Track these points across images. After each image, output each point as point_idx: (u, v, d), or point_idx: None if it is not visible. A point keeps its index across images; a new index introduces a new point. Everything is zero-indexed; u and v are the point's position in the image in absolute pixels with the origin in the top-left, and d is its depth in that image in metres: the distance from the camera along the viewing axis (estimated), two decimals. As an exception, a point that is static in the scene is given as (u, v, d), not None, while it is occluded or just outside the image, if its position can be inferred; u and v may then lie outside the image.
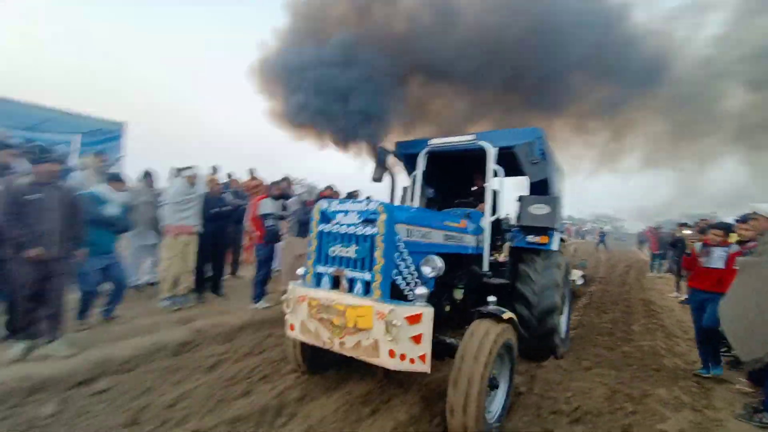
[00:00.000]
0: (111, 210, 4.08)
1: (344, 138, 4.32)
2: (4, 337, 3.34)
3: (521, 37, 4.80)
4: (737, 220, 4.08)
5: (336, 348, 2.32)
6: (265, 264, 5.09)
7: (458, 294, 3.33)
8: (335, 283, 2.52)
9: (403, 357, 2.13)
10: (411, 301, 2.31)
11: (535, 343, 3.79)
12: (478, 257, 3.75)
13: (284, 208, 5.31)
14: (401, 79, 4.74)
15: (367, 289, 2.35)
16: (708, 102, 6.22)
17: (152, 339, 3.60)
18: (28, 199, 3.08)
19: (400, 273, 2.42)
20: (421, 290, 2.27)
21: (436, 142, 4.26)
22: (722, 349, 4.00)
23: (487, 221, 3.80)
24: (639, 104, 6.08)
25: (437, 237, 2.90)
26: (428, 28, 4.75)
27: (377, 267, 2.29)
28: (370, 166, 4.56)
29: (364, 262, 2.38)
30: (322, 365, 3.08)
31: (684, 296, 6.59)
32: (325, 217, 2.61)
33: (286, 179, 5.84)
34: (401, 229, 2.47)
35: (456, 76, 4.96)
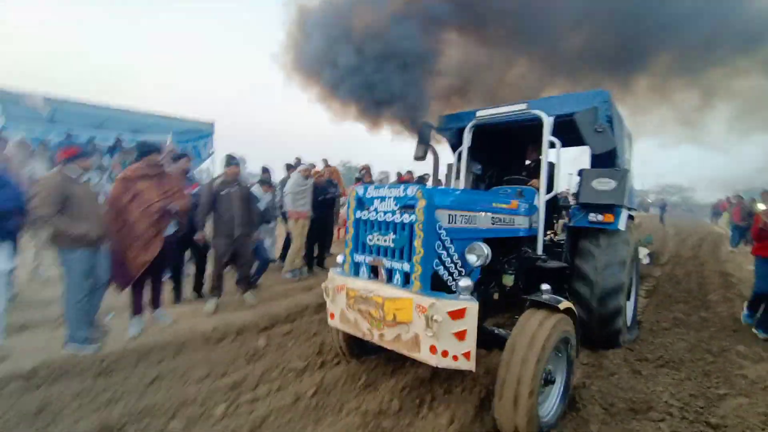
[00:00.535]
0: (261, 205, 5.21)
1: (380, 113, 4.09)
2: (194, 298, 4.68)
3: None
4: None
5: (375, 340, 2.26)
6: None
7: (508, 280, 3.07)
8: (374, 273, 2.42)
9: (445, 354, 1.99)
10: (454, 293, 2.14)
11: (596, 328, 3.44)
12: (531, 239, 3.43)
13: None
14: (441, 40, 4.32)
15: (406, 279, 2.22)
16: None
17: (294, 301, 4.64)
18: (221, 194, 4.20)
19: (442, 263, 2.25)
20: (465, 282, 2.09)
21: (484, 113, 3.87)
22: None
23: (542, 199, 3.42)
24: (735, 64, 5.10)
25: (484, 221, 2.65)
26: None
27: (417, 257, 2.14)
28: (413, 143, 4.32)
29: (403, 251, 2.23)
30: (366, 351, 3.07)
31: None
32: (362, 204, 2.48)
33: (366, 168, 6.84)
34: (443, 215, 2.27)
35: (527, 34, 4.52)
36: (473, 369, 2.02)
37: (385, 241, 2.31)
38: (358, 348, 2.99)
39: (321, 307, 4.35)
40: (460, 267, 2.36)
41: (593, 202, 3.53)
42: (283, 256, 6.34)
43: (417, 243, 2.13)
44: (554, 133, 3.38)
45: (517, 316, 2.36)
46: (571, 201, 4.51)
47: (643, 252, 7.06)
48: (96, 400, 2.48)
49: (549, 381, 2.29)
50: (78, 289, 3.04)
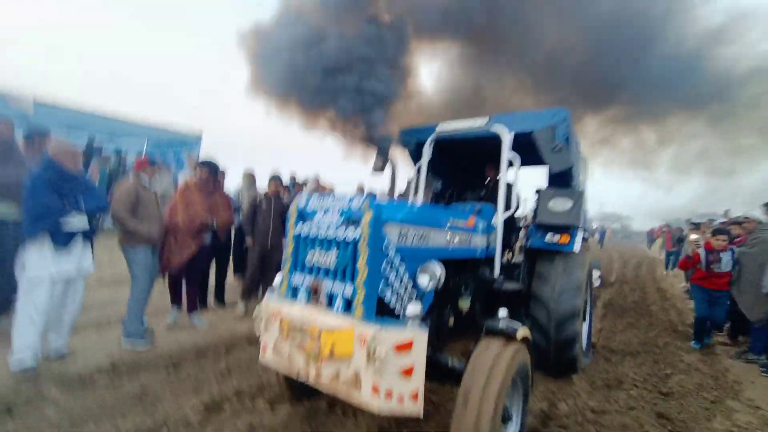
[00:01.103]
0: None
1: (341, 123, 3.86)
2: (216, 305, 5.08)
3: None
4: (727, 223, 5.31)
5: (311, 380, 1.91)
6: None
7: (464, 304, 2.86)
8: (316, 296, 2.10)
9: (389, 394, 1.69)
10: (402, 320, 1.86)
11: (554, 355, 3.32)
12: (488, 260, 3.28)
13: None
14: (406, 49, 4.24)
15: (348, 305, 1.92)
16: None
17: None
18: (261, 207, 4.82)
19: (389, 285, 1.98)
20: (414, 308, 1.83)
21: (445, 127, 3.75)
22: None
23: (499, 219, 3.30)
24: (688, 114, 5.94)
25: (439, 239, 2.43)
26: None
27: (360, 279, 1.85)
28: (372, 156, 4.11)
29: (346, 272, 1.94)
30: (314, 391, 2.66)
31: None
32: (303, 217, 2.17)
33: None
34: (392, 231, 2.02)
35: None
36: (420, 414, 1.74)
37: (326, 259, 2.00)
38: (301, 388, 2.58)
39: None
40: (411, 290, 2.11)
41: (549, 222, 3.48)
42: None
43: (360, 262, 1.85)
44: (516, 149, 3.31)
45: (472, 348, 2.14)
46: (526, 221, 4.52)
47: (595, 274, 7.29)
48: (183, 386, 2.83)
49: (506, 418, 2.06)
50: (143, 284, 3.56)
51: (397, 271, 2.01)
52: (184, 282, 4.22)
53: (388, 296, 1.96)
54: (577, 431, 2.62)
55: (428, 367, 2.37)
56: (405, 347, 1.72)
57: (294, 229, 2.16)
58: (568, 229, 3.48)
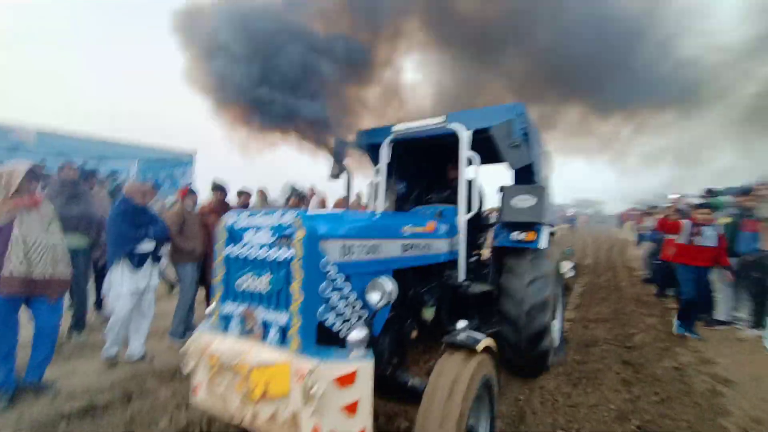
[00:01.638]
0: None
1: (288, 128, 3.59)
2: None
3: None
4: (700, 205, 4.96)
5: (247, 423, 1.66)
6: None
7: (428, 314, 2.69)
8: (249, 326, 1.85)
9: (332, 436, 1.48)
10: (347, 349, 1.65)
11: (525, 349, 3.20)
12: (454, 263, 3.12)
13: None
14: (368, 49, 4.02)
15: (285, 335, 1.68)
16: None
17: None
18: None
19: (332, 308, 1.76)
20: (357, 334, 1.61)
21: (401, 127, 3.57)
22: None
23: (461, 220, 3.16)
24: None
25: (392, 249, 2.24)
26: None
27: (294, 305, 1.62)
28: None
29: (280, 297, 1.71)
30: None
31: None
32: (233, 237, 1.92)
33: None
34: (333, 248, 1.80)
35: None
36: None
37: (259, 284, 1.76)
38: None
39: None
40: (361, 310, 1.90)
41: (514, 220, 3.36)
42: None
43: (294, 286, 1.62)
44: (477, 148, 3.17)
45: (432, 362, 1.97)
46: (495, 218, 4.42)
47: (567, 265, 7.34)
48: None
49: None
50: (188, 293, 4.21)
51: (341, 291, 1.79)
52: None
53: (331, 321, 1.75)
54: (566, 374, 3.54)
55: (388, 387, 2.20)
56: (347, 380, 1.51)
57: (224, 250, 1.91)
58: (533, 226, 3.38)
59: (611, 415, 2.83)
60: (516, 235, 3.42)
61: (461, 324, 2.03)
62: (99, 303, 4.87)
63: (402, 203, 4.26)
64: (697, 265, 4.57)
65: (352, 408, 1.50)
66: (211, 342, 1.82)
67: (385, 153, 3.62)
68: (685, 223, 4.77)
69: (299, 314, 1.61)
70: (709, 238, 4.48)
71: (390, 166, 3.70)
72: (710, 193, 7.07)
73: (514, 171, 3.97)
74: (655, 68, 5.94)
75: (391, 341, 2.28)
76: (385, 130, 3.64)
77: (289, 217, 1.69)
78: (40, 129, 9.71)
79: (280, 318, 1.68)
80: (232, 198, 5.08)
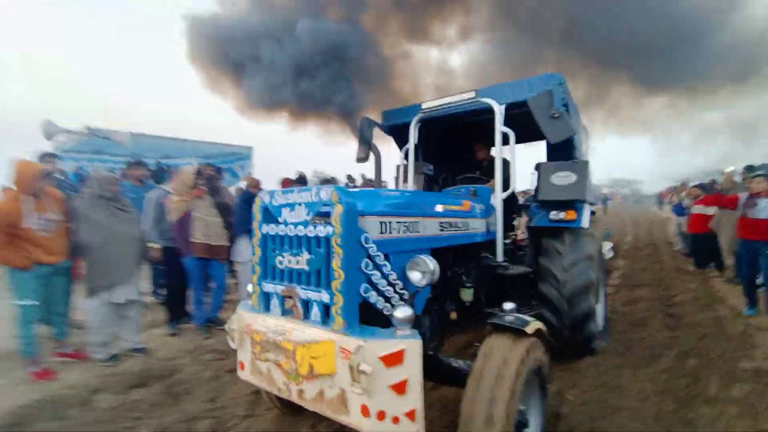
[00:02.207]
0: None
1: (312, 111, 3.54)
2: None
3: None
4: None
5: (294, 398, 1.65)
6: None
7: (467, 295, 2.59)
8: (290, 305, 1.82)
9: (381, 415, 1.43)
10: (391, 327, 1.59)
11: (568, 334, 3.04)
12: (490, 244, 2.99)
13: None
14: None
15: (327, 313, 1.64)
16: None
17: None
18: None
19: (374, 287, 1.70)
20: (403, 312, 1.55)
21: (430, 105, 3.43)
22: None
23: (498, 199, 3.01)
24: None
25: (430, 228, 2.15)
26: None
27: (336, 282, 1.57)
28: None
29: (320, 275, 1.66)
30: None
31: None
32: (269, 215, 1.89)
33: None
34: (372, 224, 1.73)
35: None
36: None
37: (298, 262, 1.73)
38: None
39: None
40: (401, 289, 1.83)
41: (554, 199, 3.17)
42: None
43: (335, 263, 1.57)
44: (509, 125, 3.00)
45: (476, 344, 1.88)
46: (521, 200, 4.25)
47: (606, 246, 7.01)
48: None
49: (522, 425, 1.80)
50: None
51: (382, 269, 1.73)
52: None
53: (374, 299, 1.69)
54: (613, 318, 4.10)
55: (430, 368, 2.13)
56: (395, 360, 1.45)
57: (260, 230, 1.88)
58: (573, 204, 3.18)
59: (656, 345, 3.46)
60: (555, 215, 3.23)
61: (508, 306, 1.92)
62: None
63: (429, 186, 4.15)
64: (755, 239, 4.30)
65: (400, 387, 1.44)
66: (254, 320, 1.81)
67: (413, 132, 3.50)
68: (742, 194, 4.56)
69: (341, 292, 1.56)
70: (762, 210, 4.23)
71: (416, 147, 3.57)
72: (750, 169, 6.58)
73: (547, 149, 3.76)
74: (713, 43, 5.60)
75: (431, 322, 2.21)
76: (413, 109, 3.51)
77: (326, 193, 1.63)
78: (134, 131, 10.96)
79: (321, 296, 1.63)
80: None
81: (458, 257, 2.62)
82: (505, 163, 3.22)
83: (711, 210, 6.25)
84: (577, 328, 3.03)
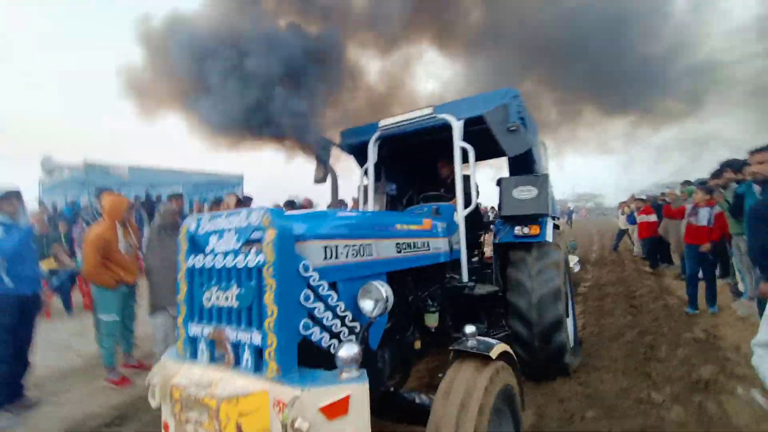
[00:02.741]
0: None
1: (266, 133, 3.35)
2: None
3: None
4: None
5: None
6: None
7: (431, 320, 2.41)
8: (220, 350, 1.55)
9: (323, 481, 1.18)
10: (336, 369, 1.36)
11: (539, 347, 2.91)
12: (455, 263, 2.86)
13: None
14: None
15: (261, 357, 1.40)
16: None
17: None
18: None
19: (317, 322, 1.48)
20: (347, 350, 1.33)
21: (387, 122, 3.35)
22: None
23: (460, 216, 2.91)
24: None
25: (384, 250, 1.97)
26: None
27: (269, 321, 1.34)
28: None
29: (251, 313, 1.43)
30: None
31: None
32: (196, 245, 1.64)
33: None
34: (313, 249, 1.53)
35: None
36: None
37: (227, 299, 1.48)
38: None
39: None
40: (353, 321, 1.62)
41: (516, 214, 3.11)
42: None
43: (267, 297, 1.35)
44: (469, 141, 2.94)
45: (441, 375, 1.69)
46: (491, 217, 4.19)
47: (573, 260, 7.12)
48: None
49: None
50: None
51: (327, 301, 1.51)
52: None
53: (317, 337, 1.46)
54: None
55: (391, 407, 1.90)
56: (339, 410, 1.22)
57: (186, 261, 1.63)
58: (537, 219, 3.13)
59: (622, 326, 4.52)
60: (519, 230, 3.17)
61: (469, 329, 1.75)
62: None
63: (393, 206, 4.02)
64: (695, 244, 4.98)
65: (345, 443, 1.21)
66: (178, 372, 1.52)
67: (372, 152, 3.39)
68: (687, 205, 5.40)
69: (275, 331, 1.32)
70: (701, 218, 4.90)
71: (378, 166, 3.46)
72: (687, 183, 7.94)
73: (509, 164, 3.75)
74: (668, 65, 6.36)
75: (391, 354, 2.00)
76: (370, 128, 3.42)
77: (257, 217, 1.42)
78: (130, 165, 11.49)
79: (253, 338, 1.39)
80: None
81: (421, 280, 2.45)
82: (467, 180, 3.14)
83: (652, 218, 8.00)
84: (547, 337, 2.91)
